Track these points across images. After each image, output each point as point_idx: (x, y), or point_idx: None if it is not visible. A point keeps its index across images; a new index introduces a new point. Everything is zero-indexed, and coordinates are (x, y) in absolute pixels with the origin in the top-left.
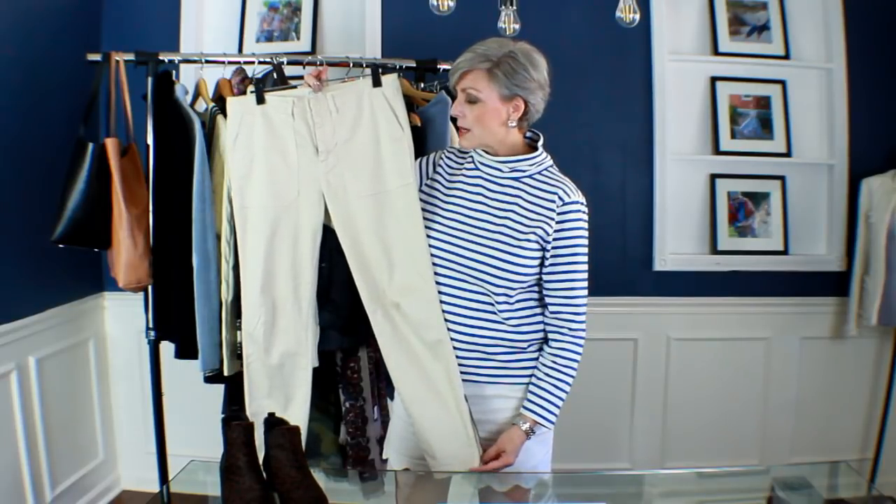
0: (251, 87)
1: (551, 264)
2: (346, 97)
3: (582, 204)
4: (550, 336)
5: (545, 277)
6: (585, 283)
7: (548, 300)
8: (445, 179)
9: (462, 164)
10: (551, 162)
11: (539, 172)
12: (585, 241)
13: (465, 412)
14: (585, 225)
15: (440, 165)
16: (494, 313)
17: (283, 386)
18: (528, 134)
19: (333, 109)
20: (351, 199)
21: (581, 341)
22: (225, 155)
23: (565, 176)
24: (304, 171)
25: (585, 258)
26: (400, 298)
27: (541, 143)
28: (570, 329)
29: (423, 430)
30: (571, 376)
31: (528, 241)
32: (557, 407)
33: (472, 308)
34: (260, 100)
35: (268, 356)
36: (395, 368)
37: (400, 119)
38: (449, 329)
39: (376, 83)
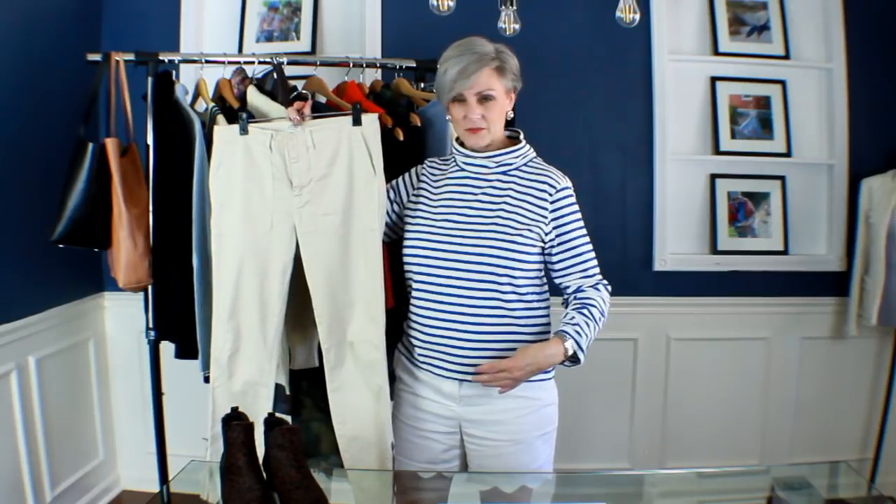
0: (251, 88)
1: (560, 246)
2: (324, 134)
3: (569, 187)
4: (578, 290)
5: (556, 259)
6: (590, 244)
7: (565, 278)
8: (431, 187)
9: (446, 170)
10: (535, 153)
11: (525, 164)
12: (580, 214)
13: (388, 459)
14: (575, 201)
15: (424, 175)
16: (501, 307)
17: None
18: (507, 132)
19: (311, 145)
20: (320, 235)
21: (609, 287)
22: (209, 181)
23: (558, 171)
24: (278, 204)
25: (583, 227)
26: (355, 339)
27: (522, 136)
28: (597, 280)
29: (348, 463)
30: (602, 318)
31: (528, 230)
32: (587, 344)
33: (479, 305)
34: (243, 130)
35: (231, 383)
36: (338, 405)
37: (374, 161)
38: (456, 329)
39: (356, 122)
